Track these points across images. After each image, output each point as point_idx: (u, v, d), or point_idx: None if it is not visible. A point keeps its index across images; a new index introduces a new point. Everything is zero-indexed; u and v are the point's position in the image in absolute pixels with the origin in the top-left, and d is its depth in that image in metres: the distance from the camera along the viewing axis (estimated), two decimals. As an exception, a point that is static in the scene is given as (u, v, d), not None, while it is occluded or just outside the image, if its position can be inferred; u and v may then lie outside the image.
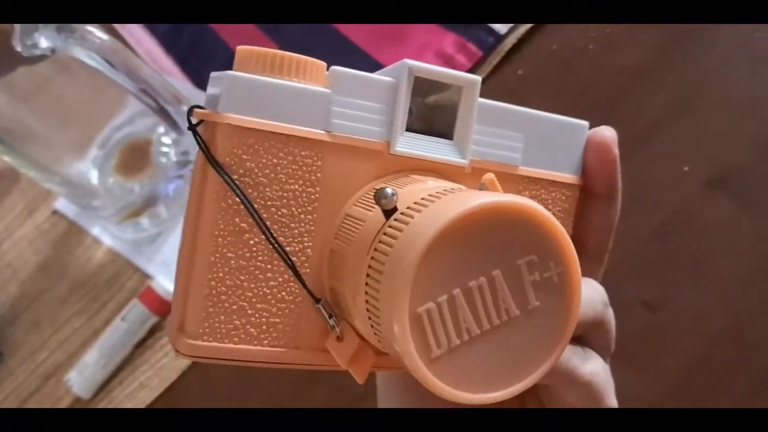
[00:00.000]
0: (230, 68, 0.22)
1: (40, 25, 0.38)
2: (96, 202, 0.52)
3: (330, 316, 0.22)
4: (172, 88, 0.44)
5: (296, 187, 0.22)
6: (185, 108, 0.23)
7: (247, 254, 0.22)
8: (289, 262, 0.22)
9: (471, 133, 0.24)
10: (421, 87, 0.24)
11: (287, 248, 0.22)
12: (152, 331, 0.51)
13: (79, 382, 0.50)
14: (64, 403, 0.51)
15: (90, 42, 0.40)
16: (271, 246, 0.22)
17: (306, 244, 0.23)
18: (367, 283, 0.20)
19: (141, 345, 0.51)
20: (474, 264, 0.19)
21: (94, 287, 0.53)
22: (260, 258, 0.22)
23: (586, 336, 0.25)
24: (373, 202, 0.21)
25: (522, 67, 0.51)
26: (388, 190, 0.20)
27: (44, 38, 0.39)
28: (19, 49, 0.39)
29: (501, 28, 0.51)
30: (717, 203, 0.47)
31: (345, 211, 0.23)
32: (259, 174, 0.22)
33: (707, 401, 0.44)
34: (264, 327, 0.22)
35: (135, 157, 0.52)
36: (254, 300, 0.22)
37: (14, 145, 0.47)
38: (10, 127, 0.47)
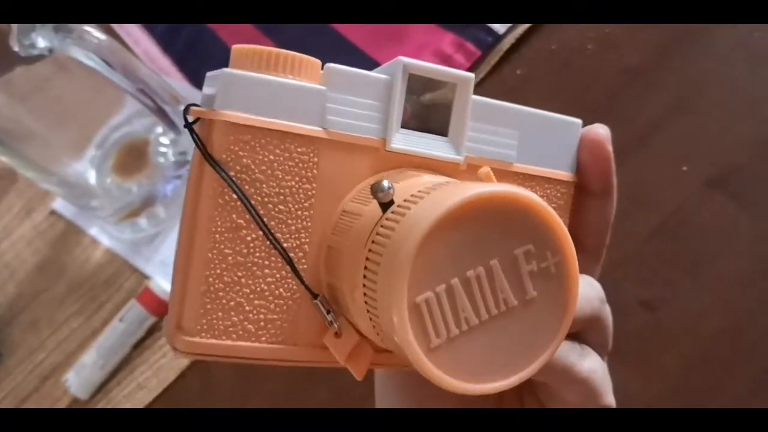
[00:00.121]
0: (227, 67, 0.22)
1: (38, 25, 0.38)
2: (94, 202, 0.52)
3: (328, 312, 0.22)
4: (169, 88, 0.44)
5: (293, 183, 0.22)
6: (183, 108, 0.23)
7: (245, 251, 0.22)
8: (287, 257, 0.22)
9: (466, 130, 0.24)
10: (416, 85, 0.24)
11: (284, 245, 0.22)
12: (150, 332, 0.51)
13: (77, 382, 0.50)
14: (62, 404, 0.51)
15: (88, 42, 0.40)
16: (268, 242, 0.22)
17: (303, 240, 0.23)
18: (365, 276, 0.20)
19: (139, 345, 0.51)
20: (471, 254, 0.19)
21: (92, 287, 0.53)
22: (257, 254, 0.22)
23: (584, 333, 0.25)
24: (370, 197, 0.21)
25: (521, 66, 0.51)
26: (385, 183, 0.20)
27: (42, 38, 0.39)
28: (16, 49, 0.39)
29: (499, 27, 0.51)
30: (716, 203, 0.47)
31: (342, 207, 0.23)
32: (256, 170, 0.22)
33: (706, 401, 0.44)
34: (262, 323, 0.22)
35: (133, 157, 0.52)
36: (252, 296, 0.22)
37: (12, 145, 0.47)
38: (8, 128, 0.47)
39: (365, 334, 0.23)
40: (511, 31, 0.51)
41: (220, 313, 0.22)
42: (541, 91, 0.50)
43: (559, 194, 0.26)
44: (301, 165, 0.22)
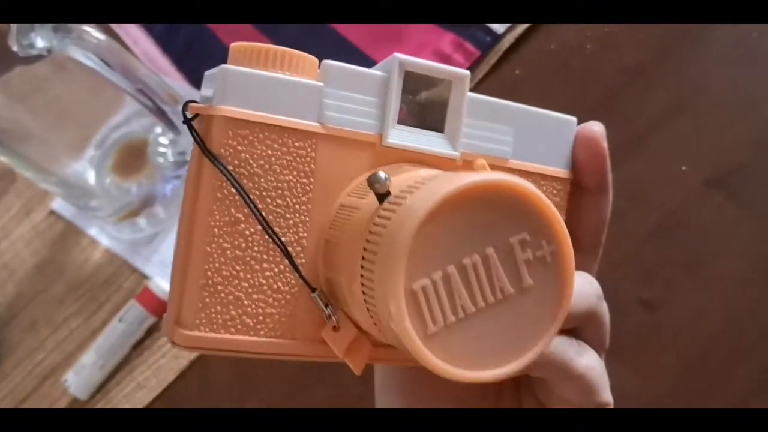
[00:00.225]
0: None
1: (37, 25, 0.38)
2: (93, 202, 0.52)
3: (326, 305, 0.23)
4: (168, 88, 0.44)
5: (291, 177, 0.22)
6: (182, 104, 0.23)
7: (243, 244, 0.22)
8: (285, 251, 0.22)
9: (461, 126, 0.24)
10: (413, 84, 0.24)
11: (282, 239, 0.22)
12: (150, 332, 0.51)
13: (77, 383, 0.50)
14: (61, 404, 0.51)
15: (87, 42, 0.40)
16: (266, 236, 0.22)
17: (301, 234, 0.23)
18: (362, 266, 0.20)
19: (139, 345, 0.51)
20: (467, 241, 0.19)
21: (92, 288, 0.53)
22: (256, 248, 0.22)
23: (581, 329, 0.25)
24: (367, 191, 0.21)
25: (520, 66, 0.51)
26: (381, 174, 0.20)
27: (41, 38, 0.39)
28: (15, 49, 0.39)
29: (498, 27, 0.51)
30: (715, 203, 0.47)
31: (339, 201, 0.23)
32: (254, 165, 0.22)
33: (705, 400, 0.44)
34: (260, 317, 0.23)
35: (132, 157, 0.52)
36: (250, 290, 0.22)
37: (11, 145, 0.47)
38: (7, 128, 0.46)
39: (364, 328, 0.23)
40: (510, 31, 0.51)
41: (218, 307, 0.22)
42: (540, 91, 0.50)
43: (554, 191, 0.26)
44: (298, 159, 0.23)
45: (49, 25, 0.39)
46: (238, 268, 0.22)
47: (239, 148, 0.22)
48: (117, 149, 0.52)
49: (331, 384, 0.46)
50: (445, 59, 0.51)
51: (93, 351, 0.50)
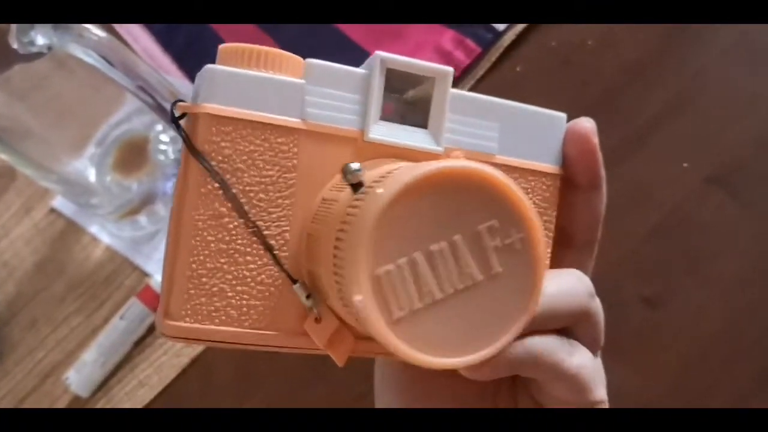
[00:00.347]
0: None
1: (37, 23, 0.38)
2: (94, 200, 0.52)
3: (307, 297, 0.23)
4: (169, 85, 0.44)
5: (273, 173, 0.23)
6: (170, 104, 0.24)
7: (227, 238, 0.23)
8: (265, 242, 0.23)
9: (444, 122, 0.25)
10: (399, 83, 0.24)
11: (265, 232, 0.23)
12: (151, 329, 0.51)
13: (78, 380, 0.50)
14: (62, 402, 0.51)
15: (87, 39, 0.40)
16: (249, 230, 0.23)
17: (284, 228, 0.23)
18: (335, 256, 0.21)
19: (140, 343, 0.51)
20: (434, 228, 0.20)
21: (92, 285, 0.53)
22: (239, 242, 0.23)
23: (573, 328, 0.25)
24: (346, 184, 0.22)
25: (520, 63, 0.51)
26: (353, 165, 0.21)
27: (41, 36, 0.39)
28: (15, 46, 0.39)
29: (499, 24, 0.51)
30: (716, 200, 0.47)
31: (322, 195, 0.24)
32: (237, 160, 0.23)
33: (706, 398, 0.44)
34: (244, 309, 0.23)
35: (133, 154, 0.52)
36: (234, 282, 0.23)
37: (11, 143, 0.47)
38: (7, 126, 0.46)
39: (345, 319, 0.23)
40: (511, 28, 0.51)
41: (203, 299, 0.23)
42: (541, 88, 0.50)
43: (544, 186, 0.26)
44: (281, 155, 0.23)
45: (50, 23, 0.38)
46: (223, 260, 0.23)
47: (223, 144, 0.22)
48: (117, 147, 0.52)
49: (333, 381, 0.46)
50: (446, 56, 0.51)
51: (94, 349, 0.50)
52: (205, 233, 0.23)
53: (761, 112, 0.48)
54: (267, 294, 0.23)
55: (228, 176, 0.23)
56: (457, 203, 0.20)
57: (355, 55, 0.53)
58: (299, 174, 0.23)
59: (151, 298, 0.50)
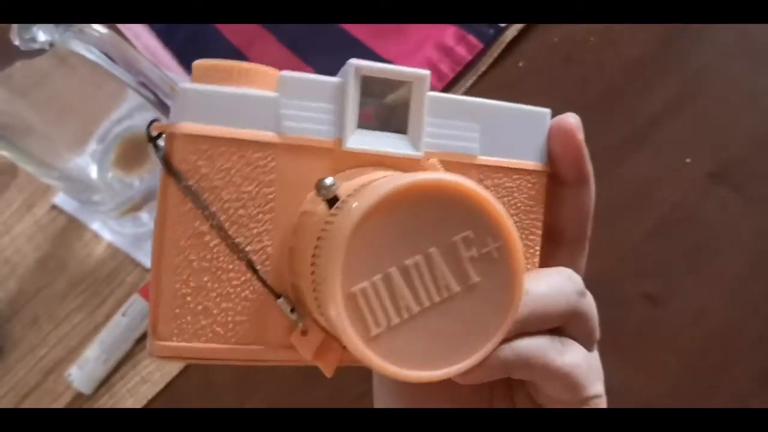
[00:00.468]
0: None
1: (39, 19, 0.38)
2: (95, 196, 0.52)
3: (292, 311, 0.23)
4: (170, 81, 0.44)
5: (251, 188, 0.23)
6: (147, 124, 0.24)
7: (209, 256, 0.23)
8: (246, 259, 0.23)
9: (423, 126, 0.24)
10: (377, 87, 0.24)
11: (247, 248, 0.23)
12: (153, 326, 0.51)
13: (80, 377, 0.50)
14: (64, 399, 0.51)
15: (88, 35, 0.40)
16: (229, 247, 0.23)
17: (265, 243, 0.23)
18: (312, 272, 0.21)
19: (142, 340, 0.51)
20: (408, 242, 0.20)
21: (94, 282, 0.53)
22: (221, 259, 0.23)
23: (565, 326, 0.25)
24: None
25: (523, 59, 0.51)
26: (327, 180, 0.21)
27: (42, 32, 0.39)
28: (17, 43, 0.38)
29: (501, 20, 0.51)
30: (719, 196, 0.47)
31: (302, 209, 0.24)
32: (215, 178, 0.23)
33: (708, 395, 0.44)
34: (230, 326, 0.23)
35: (134, 151, 0.52)
36: (218, 300, 0.23)
37: (13, 139, 0.46)
38: (9, 122, 0.46)
39: (330, 331, 0.23)
40: (513, 23, 0.51)
41: (189, 317, 0.23)
42: (543, 84, 0.50)
43: (529, 184, 0.26)
44: (258, 170, 0.23)
45: (51, 19, 0.38)
46: (206, 278, 0.23)
47: (199, 162, 0.22)
48: (119, 143, 0.52)
49: (332, 381, 0.46)
50: (448, 52, 0.51)
51: (96, 345, 0.50)
52: (187, 252, 0.23)
53: (763, 107, 0.48)
54: (252, 309, 0.23)
55: (206, 194, 0.23)
56: (431, 216, 0.20)
57: (357, 53, 0.53)
58: (278, 188, 0.23)
59: (153, 295, 0.50)
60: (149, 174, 0.52)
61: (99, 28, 0.40)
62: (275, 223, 0.23)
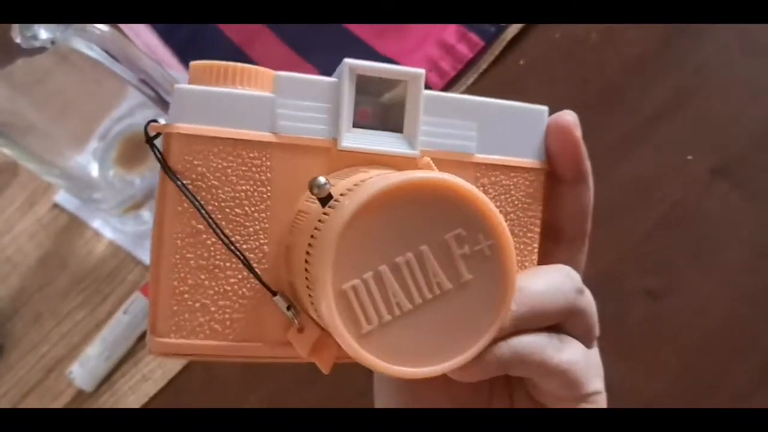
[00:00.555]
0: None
1: (40, 17, 0.38)
2: (96, 194, 0.52)
3: (288, 308, 0.23)
4: (171, 79, 0.44)
5: (247, 187, 0.23)
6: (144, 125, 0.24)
7: (206, 254, 0.23)
8: (242, 257, 0.23)
9: (419, 125, 0.25)
10: (374, 86, 0.24)
11: (243, 246, 0.23)
12: (154, 324, 0.51)
13: (82, 374, 0.50)
14: (66, 396, 0.51)
15: (90, 33, 0.40)
16: (226, 245, 0.23)
17: (262, 241, 0.24)
18: (306, 270, 0.21)
19: (143, 337, 0.51)
20: (399, 240, 0.20)
21: (96, 280, 0.53)
22: (218, 257, 0.23)
23: (564, 324, 0.25)
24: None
25: (524, 56, 0.51)
26: (320, 179, 0.21)
27: (44, 30, 0.39)
28: (18, 40, 0.38)
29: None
30: (721, 192, 0.47)
31: (298, 207, 0.24)
32: (211, 177, 0.23)
33: (711, 391, 0.44)
34: (228, 323, 0.23)
35: (135, 149, 0.52)
36: (216, 297, 0.23)
37: (14, 137, 0.46)
38: (10, 120, 0.46)
39: (326, 328, 0.23)
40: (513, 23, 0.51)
41: (186, 315, 0.23)
42: (544, 81, 0.50)
43: (527, 182, 0.26)
44: (254, 169, 0.23)
45: (52, 17, 0.38)
46: (203, 276, 0.23)
47: (195, 162, 0.23)
48: (120, 141, 0.52)
49: (336, 376, 0.46)
50: (450, 49, 0.51)
51: (98, 343, 0.50)
52: (185, 251, 0.23)
53: (764, 104, 0.48)
54: (249, 307, 0.24)
55: (203, 193, 0.23)
56: (422, 214, 0.20)
57: (359, 51, 0.53)
58: (274, 187, 0.24)
59: (154, 293, 0.50)
60: (150, 172, 0.52)
61: (100, 26, 0.40)
62: (271, 222, 0.24)
